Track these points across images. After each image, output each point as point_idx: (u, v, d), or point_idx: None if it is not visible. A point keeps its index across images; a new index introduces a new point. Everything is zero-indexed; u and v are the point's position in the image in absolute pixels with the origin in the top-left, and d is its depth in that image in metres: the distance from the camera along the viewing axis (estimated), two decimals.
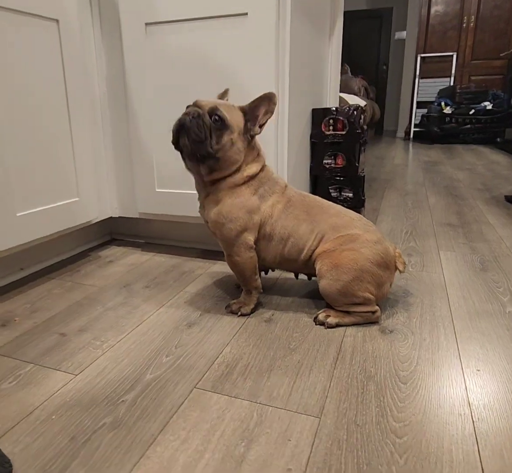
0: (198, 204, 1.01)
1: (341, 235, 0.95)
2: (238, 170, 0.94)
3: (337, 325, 0.94)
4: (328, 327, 0.94)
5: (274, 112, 0.91)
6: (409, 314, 1.00)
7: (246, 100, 1.17)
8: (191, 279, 1.21)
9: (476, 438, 0.63)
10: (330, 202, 1.02)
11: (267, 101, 0.90)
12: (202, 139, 0.87)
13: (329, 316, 0.95)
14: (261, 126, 0.93)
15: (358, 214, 1.01)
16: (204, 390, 0.74)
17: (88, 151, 1.26)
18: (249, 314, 1.00)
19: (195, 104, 0.91)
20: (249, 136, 0.93)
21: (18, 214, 1.06)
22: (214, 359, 0.82)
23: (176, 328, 0.94)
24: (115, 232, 1.59)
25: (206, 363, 0.81)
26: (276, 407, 0.69)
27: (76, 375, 0.78)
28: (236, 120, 0.90)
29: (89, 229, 1.47)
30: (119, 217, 1.48)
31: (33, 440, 0.62)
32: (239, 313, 1.00)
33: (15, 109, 1.03)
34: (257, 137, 0.95)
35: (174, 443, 0.62)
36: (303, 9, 1.24)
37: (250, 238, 0.95)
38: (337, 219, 0.97)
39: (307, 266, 0.99)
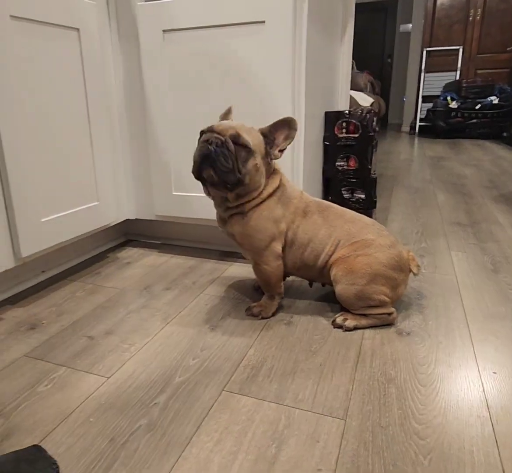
0: (215, 212, 1.03)
1: (356, 241, 0.97)
2: (261, 189, 0.95)
3: (355, 328, 0.97)
4: (346, 330, 0.97)
5: (293, 138, 0.91)
6: (424, 317, 1.03)
7: (263, 108, 1.19)
8: (210, 281, 1.24)
9: (496, 440, 0.66)
10: (344, 208, 1.05)
11: (287, 127, 0.90)
12: (230, 169, 0.86)
13: (347, 319, 0.98)
14: (281, 151, 0.93)
15: (371, 219, 1.04)
16: (232, 392, 0.77)
17: (107, 156, 1.29)
18: (269, 318, 1.03)
19: (212, 130, 0.88)
20: (269, 159, 0.93)
21: (42, 220, 1.09)
22: (239, 362, 0.86)
23: (200, 331, 0.98)
24: (131, 233, 1.61)
25: (232, 366, 0.84)
26: (303, 409, 0.72)
27: (108, 378, 0.81)
28: (258, 144, 0.90)
29: (107, 231, 1.51)
30: (135, 219, 1.51)
31: (74, 441, 0.66)
32: (259, 316, 1.02)
33: (38, 117, 1.05)
34: None
35: (208, 444, 0.65)
36: (318, 14, 1.25)
37: (278, 246, 0.98)
38: (351, 226, 0.99)
39: (322, 274, 1.02)
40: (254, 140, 0.89)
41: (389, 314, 0.98)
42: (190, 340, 0.94)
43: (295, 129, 0.90)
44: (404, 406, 0.73)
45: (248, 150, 0.88)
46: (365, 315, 0.98)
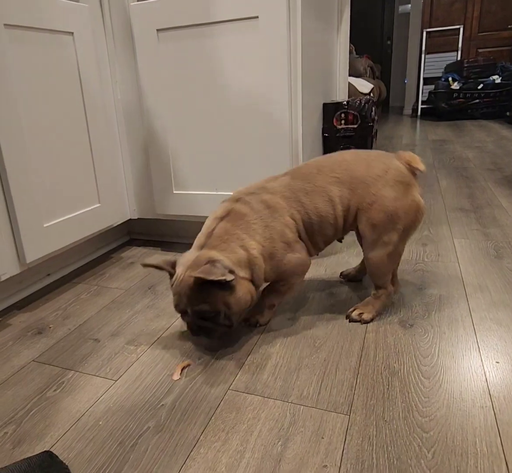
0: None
1: (354, 187, 0.91)
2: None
3: (372, 320, 0.98)
4: (364, 323, 0.97)
5: None
6: (427, 307, 1.03)
7: (260, 104, 1.18)
8: None
9: (498, 430, 0.67)
10: (309, 164, 0.96)
11: None
12: (219, 329, 0.86)
13: (362, 312, 0.98)
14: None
15: (349, 151, 0.98)
16: (237, 391, 0.78)
17: (106, 157, 1.29)
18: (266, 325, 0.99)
19: (177, 309, 0.85)
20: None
21: (45, 225, 1.10)
22: (244, 360, 0.87)
23: None
24: (134, 233, 1.62)
25: (237, 364, 0.86)
26: (307, 406, 0.73)
27: (116, 381, 0.83)
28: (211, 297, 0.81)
29: (109, 232, 1.51)
30: (138, 218, 1.52)
31: (84, 445, 0.68)
32: (257, 325, 0.98)
33: (37, 122, 1.05)
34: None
35: (216, 444, 0.67)
36: (312, 6, 1.23)
37: (305, 254, 0.92)
38: (333, 173, 0.92)
39: (345, 230, 0.97)
40: (207, 299, 0.81)
41: (389, 293, 1.00)
42: (195, 340, 0.95)
43: None
44: (408, 399, 0.74)
45: (224, 319, 0.83)
46: (374, 301, 0.99)
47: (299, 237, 0.92)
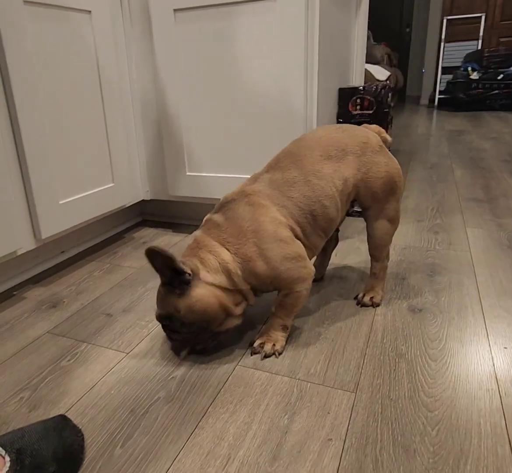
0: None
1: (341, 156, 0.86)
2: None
3: (381, 301, 0.99)
4: (376, 306, 0.98)
5: None
6: (437, 293, 1.03)
7: (276, 86, 1.18)
8: None
9: (503, 412, 0.67)
10: (290, 149, 0.88)
11: None
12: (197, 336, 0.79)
13: (372, 296, 0.99)
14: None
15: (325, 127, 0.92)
16: (246, 367, 0.80)
17: (121, 138, 1.30)
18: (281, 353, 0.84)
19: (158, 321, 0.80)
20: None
21: (60, 202, 1.11)
22: (253, 337, 0.88)
23: None
24: (146, 214, 1.64)
25: (246, 341, 0.87)
26: (314, 383, 0.75)
27: (127, 353, 0.85)
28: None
29: (122, 212, 1.53)
30: (151, 199, 1.53)
31: (97, 412, 0.70)
32: (276, 354, 0.83)
33: (54, 101, 1.06)
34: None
35: (224, 415, 0.68)
36: None
37: (309, 263, 0.83)
38: (316, 152, 0.85)
39: (343, 211, 0.91)
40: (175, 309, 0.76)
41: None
42: None
43: None
44: (414, 380, 0.75)
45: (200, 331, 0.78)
46: (378, 285, 0.99)
47: (295, 235, 0.82)
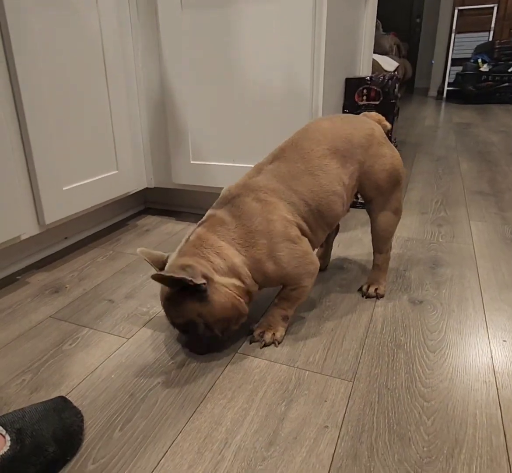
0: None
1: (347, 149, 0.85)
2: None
3: (385, 291, 0.99)
4: (381, 297, 0.98)
5: None
6: (438, 285, 1.03)
7: (282, 76, 1.17)
8: None
9: (500, 404, 0.68)
10: (293, 140, 0.86)
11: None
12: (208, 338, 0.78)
13: (377, 287, 0.98)
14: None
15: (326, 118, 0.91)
16: (245, 354, 0.80)
17: (125, 125, 1.30)
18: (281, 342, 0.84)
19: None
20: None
21: (64, 189, 1.12)
22: (252, 326, 0.89)
23: None
24: (150, 201, 1.64)
25: (245, 330, 0.88)
26: (312, 371, 0.75)
27: (128, 339, 0.86)
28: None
29: (126, 199, 1.53)
30: (154, 187, 1.53)
31: (98, 395, 0.71)
32: (275, 343, 0.83)
33: (58, 88, 1.06)
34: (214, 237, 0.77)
35: (222, 401, 0.69)
36: None
37: (310, 253, 0.81)
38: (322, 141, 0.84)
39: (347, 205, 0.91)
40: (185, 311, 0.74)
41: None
42: None
43: None
44: (412, 370, 0.75)
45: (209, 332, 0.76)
46: (381, 274, 0.99)
47: (301, 231, 0.81)
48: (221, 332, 0.77)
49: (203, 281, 0.70)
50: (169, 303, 0.75)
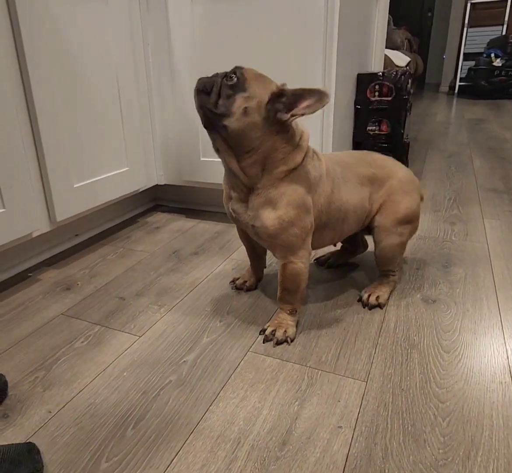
0: (232, 197, 0.85)
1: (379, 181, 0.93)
2: (277, 162, 0.78)
3: (386, 301, 0.95)
4: (383, 307, 0.93)
5: (315, 111, 0.74)
6: (452, 284, 1.02)
7: (293, 70, 1.16)
8: (236, 246, 1.26)
9: None
10: (347, 154, 0.95)
11: (316, 98, 0.72)
12: (207, 90, 0.75)
13: (378, 296, 0.94)
14: (293, 116, 0.74)
15: (374, 154, 0.98)
16: (257, 353, 0.80)
17: (136, 122, 1.30)
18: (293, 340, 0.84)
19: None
20: (274, 117, 0.74)
21: (75, 186, 1.12)
22: (264, 324, 0.88)
23: (226, 295, 1.00)
24: (160, 199, 1.64)
25: (257, 328, 0.87)
26: (325, 371, 0.75)
27: (139, 337, 0.86)
28: (259, 89, 0.74)
29: (136, 196, 1.53)
30: (164, 184, 1.53)
31: (110, 393, 0.71)
32: (288, 341, 0.83)
33: (69, 85, 1.06)
34: (299, 120, 0.78)
35: (234, 400, 0.69)
36: None
37: (309, 239, 0.83)
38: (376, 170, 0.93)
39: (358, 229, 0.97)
40: (259, 84, 0.74)
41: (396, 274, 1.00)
42: (217, 303, 0.97)
43: (322, 104, 0.73)
44: (426, 371, 0.74)
45: (239, 84, 0.73)
46: (384, 283, 0.97)
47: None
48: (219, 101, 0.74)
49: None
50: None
